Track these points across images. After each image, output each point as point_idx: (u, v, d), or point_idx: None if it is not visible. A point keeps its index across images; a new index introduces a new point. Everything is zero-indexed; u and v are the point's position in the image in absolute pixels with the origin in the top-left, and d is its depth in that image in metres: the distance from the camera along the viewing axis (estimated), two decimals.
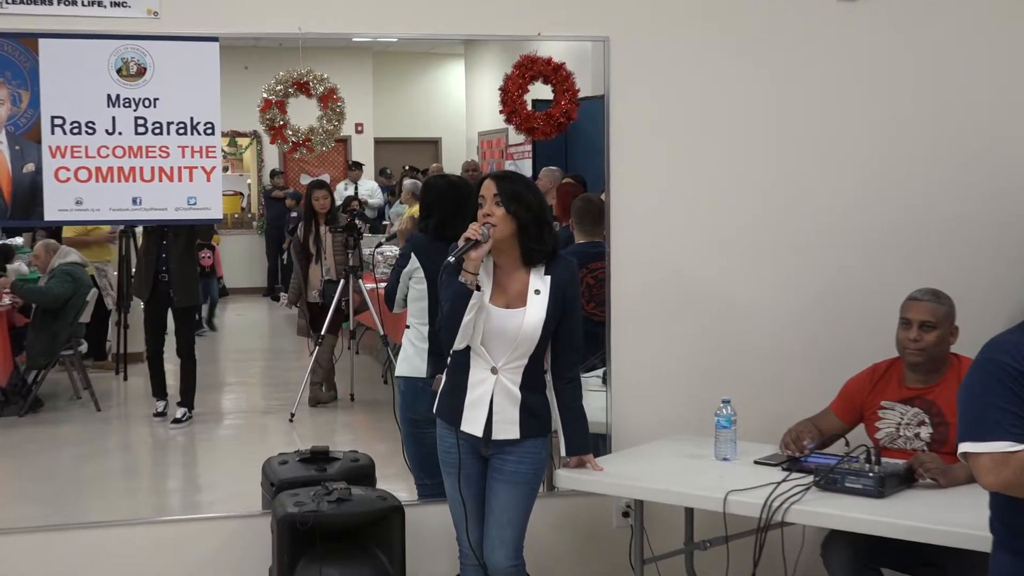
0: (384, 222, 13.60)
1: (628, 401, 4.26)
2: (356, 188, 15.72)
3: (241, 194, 12.08)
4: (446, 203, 4.12)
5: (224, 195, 5.62)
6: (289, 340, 10.84)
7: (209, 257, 10.10)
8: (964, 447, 2.35)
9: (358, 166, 15.55)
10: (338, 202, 14.65)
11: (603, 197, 4.36)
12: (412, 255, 4.16)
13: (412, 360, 4.16)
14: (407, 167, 13.61)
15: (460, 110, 18.37)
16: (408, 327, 4.25)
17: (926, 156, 4.44)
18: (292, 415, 7.25)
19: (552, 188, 6.99)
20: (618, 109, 4.23)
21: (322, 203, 7.77)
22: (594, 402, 4.18)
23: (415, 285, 4.17)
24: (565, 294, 3.32)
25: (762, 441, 3.79)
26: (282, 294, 9.54)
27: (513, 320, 3.27)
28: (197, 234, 7.06)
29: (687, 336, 4.30)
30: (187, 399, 7.01)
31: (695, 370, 4.30)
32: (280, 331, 11.73)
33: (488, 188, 3.29)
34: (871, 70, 4.39)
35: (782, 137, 4.35)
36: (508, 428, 3.32)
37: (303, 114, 8.35)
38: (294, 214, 13.01)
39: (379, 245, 5.04)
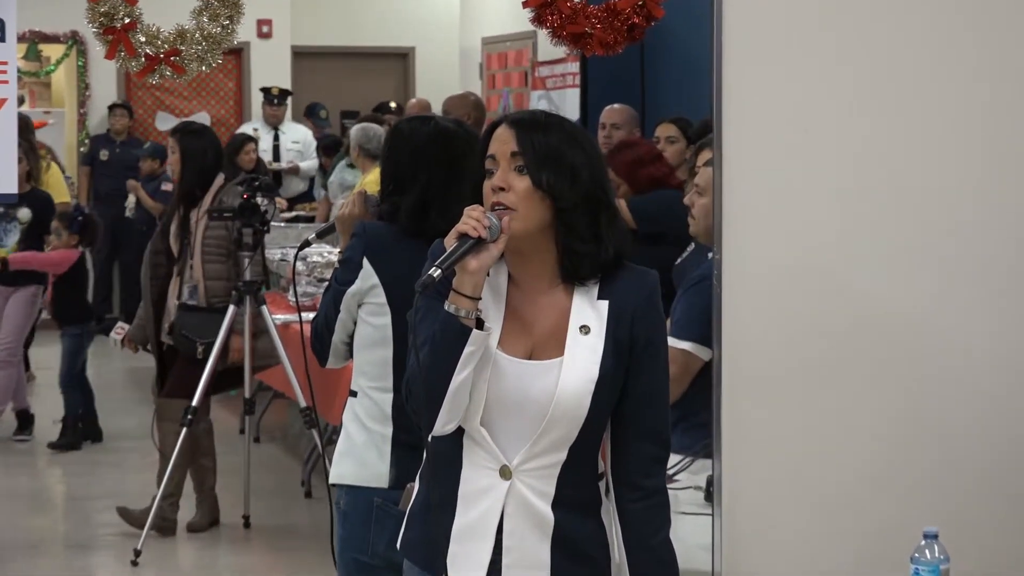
0: (313, 203, 13.60)
1: (751, 532, 4.29)
2: (277, 137, 15.77)
3: (48, 149, 12.11)
4: (431, 166, 4.23)
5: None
6: (132, 413, 10.88)
7: None
8: None
9: (284, 97, 15.53)
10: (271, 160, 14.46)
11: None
12: (364, 261, 4.24)
13: (362, 455, 4.26)
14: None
15: (449, 1, 18.45)
16: (354, 395, 4.34)
17: None
18: (137, 553, 7.32)
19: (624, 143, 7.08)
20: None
21: None
22: (691, 535, 4.23)
23: (369, 318, 4.27)
24: (633, 333, 3.38)
25: None
26: (120, 326, 9.58)
27: (542, 381, 3.33)
28: None
29: (858, 412, 4.34)
30: None
31: (871, 474, 4.34)
32: (114, 394, 11.77)
33: (502, 142, 3.37)
34: None
35: None
36: None
37: (166, 7, 8.48)
38: (166, 186, 12.93)
39: (305, 245, 5.05)
